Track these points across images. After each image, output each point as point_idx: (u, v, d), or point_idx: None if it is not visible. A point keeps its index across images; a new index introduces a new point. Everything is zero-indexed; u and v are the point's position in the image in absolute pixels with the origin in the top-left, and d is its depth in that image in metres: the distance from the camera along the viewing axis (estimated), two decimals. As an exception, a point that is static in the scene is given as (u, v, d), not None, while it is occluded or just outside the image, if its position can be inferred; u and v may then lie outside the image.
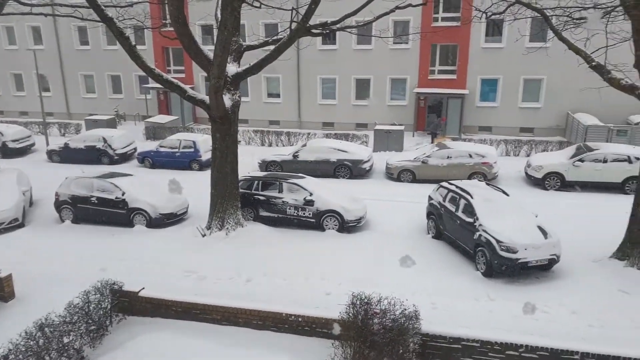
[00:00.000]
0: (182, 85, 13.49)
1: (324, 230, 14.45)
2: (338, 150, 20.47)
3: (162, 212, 15.16)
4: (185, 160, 22.11)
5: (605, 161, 17.87)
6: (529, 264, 11.20)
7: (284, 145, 25.68)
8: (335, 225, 14.39)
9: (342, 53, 28.73)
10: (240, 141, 21.10)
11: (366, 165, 20.22)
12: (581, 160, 18.08)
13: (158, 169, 22.19)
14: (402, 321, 7.94)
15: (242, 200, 14.71)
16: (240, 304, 9.46)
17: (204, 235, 13.98)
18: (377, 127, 24.82)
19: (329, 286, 11.01)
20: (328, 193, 14.90)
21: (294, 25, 12.68)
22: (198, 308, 9.59)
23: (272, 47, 13.41)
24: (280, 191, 14.87)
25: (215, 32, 14.73)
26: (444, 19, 27.08)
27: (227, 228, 13.98)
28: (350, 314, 8.14)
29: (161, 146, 22.60)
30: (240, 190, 14.79)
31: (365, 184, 19.54)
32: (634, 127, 22.33)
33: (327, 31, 14.15)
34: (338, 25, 13.83)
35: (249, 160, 21.82)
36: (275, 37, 14.59)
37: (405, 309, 8.14)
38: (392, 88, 28.85)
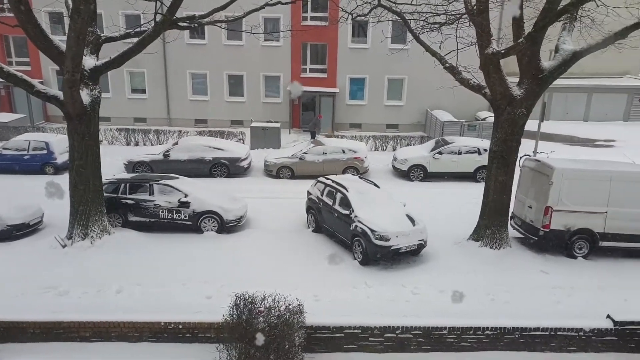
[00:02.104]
0: (28, 79, 11.87)
1: (202, 232, 13.89)
2: (213, 148, 19.85)
3: (10, 223, 13.24)
4: (37, 164, 19.66)
5: (459, 153, 19.91)
6: (401, 250, 11.99)
7: (152, 145, 24.18)
8: (215, 226, 13.91)
9: (212, 48, 27.95)
10: (102, 141, 19.37)
11: (244, 163, 19.92)
12: (440, 153, 19.93)
13: (2, 174, 19.43)
14: (287, 316, 7.93)
15: (107, 205, 13.49)
16: (111, 317, 8.66)
17: (64, 246, 12.53)
18: (253, 124, 24.64)
19: (210, 289, 10.60)
20: (205, 193, 14.35)
21: (158, 17, 11.94)
22: (61, 327, 8.55)
23: (135, 40, 12.49)
24: (151, 193, 13.94)
25: (66, 20, 13.26)
26: (312, 19, 27.79)
27: (92, 236, 12.71)
28: (234, 315, 7.91)
29: (5, 148, 19.81)
30: (105, 194, 13.56)
31: (244, 182, 19.25)
32: (482, 122, 25.29)
33: (195, 25, 13.59)
34: (207, 20, 13.36)
35: (114, 161, 20.22)
36: (138, 29, 13.59)
37: (290, 304, 8.14)
38: (266, 85, 28.87)
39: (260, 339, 7.44)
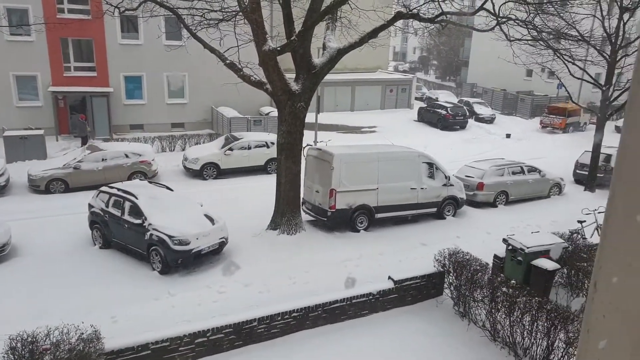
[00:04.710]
0: None
1: (-51, 270, 11.15)
2: (-47, 166, 16.08)
3: None
4: None
5: (249, 148, 20.43)
6: (203, 252, 11.71)
7: None
8: (-33, 260, 11.31)
9: (-63, 43, 22.53)
10: None
11: (0, 180, 16.65)
12: (231, 149, 20.10)
13: None
14: (81, 347, 6.98)
15: None
16: None
17: None
18: (7, 133, 20.75)
19: (-30, 339, 8.59)
20: (-52, 222, 11.52)
21: None
22: None
23: None
24: None
25: None
26: (71, 11, 24.64)
27: None
28: (11, 363, 6.59)
29: None
30: None
31: (3, 202, 16.16)
32: (266, 117, 26.38)
33: None
34: None
35: None
36: None
37: (83, 333, 7.19)
38: (19, 87, 24.60)
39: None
